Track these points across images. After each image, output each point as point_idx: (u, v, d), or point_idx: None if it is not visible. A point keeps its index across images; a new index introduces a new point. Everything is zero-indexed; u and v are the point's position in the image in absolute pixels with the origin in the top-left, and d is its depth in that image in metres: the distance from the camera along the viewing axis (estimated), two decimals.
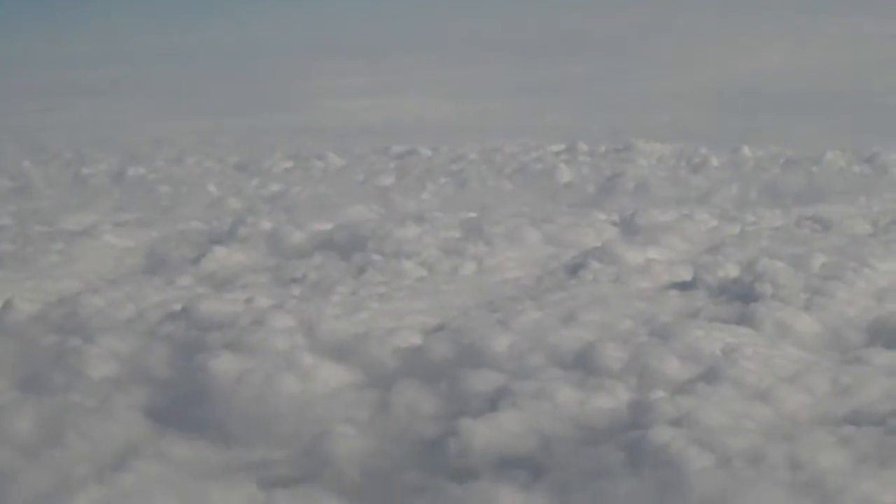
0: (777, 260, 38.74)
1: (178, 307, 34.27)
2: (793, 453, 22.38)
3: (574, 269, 40.96)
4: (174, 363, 29.91)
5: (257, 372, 28.18)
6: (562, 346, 30.19)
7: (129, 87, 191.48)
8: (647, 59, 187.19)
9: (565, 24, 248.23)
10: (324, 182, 72.00)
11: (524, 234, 46.40)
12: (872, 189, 63.38)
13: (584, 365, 28.72)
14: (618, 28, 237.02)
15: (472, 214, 52.17)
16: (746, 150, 76.28)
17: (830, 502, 21.04)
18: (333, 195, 64.79)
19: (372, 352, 30.48)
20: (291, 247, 45.19)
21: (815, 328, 32.99)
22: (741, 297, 35.28)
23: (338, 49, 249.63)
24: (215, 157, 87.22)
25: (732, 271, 38.76)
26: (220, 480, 23.49)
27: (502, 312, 34.58)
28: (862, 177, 69.64)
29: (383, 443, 25.54)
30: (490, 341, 30.84)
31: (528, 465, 24.01)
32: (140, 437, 25.50)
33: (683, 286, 38.23)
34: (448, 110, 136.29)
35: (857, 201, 58.53)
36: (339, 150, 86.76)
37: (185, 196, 66.83)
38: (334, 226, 47.82)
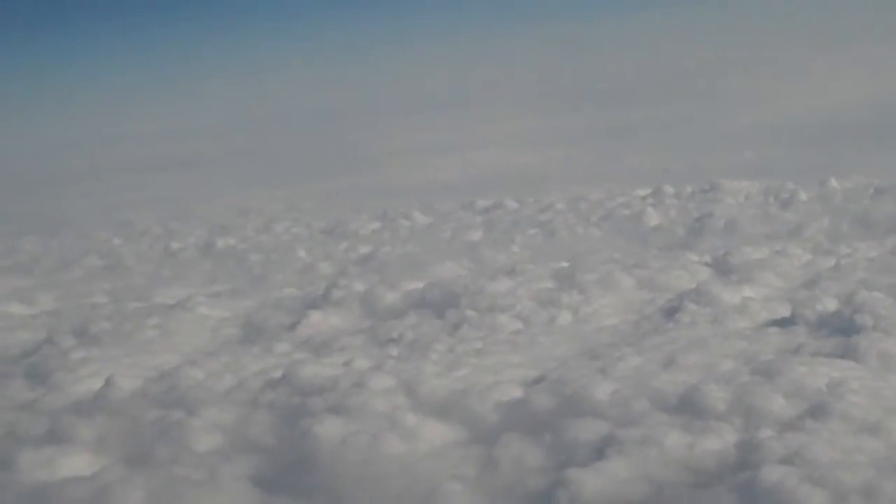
0: (876, 291, 38.34)
1: (277, 374, 34.38)
2: None
3: (670, 313, 40.79)
4: (278, 430, 29.91)
5: (361, 434, 28.12)
6: (664, 390, 29.92)
7: (210, 158, 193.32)
8: (721, 97, 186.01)
9: (634, 68, 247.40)
10: (412, 241, 72.03)
11: (617, 281, 46.19)
12: None
13: (688, 408, 28.46)
14: (685, 67, 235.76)
15: (564, 264, 52.01)
16: (834, 183, 75.17)
17: None
18: (422, 253, 64.79)
19: (474, 407, 30.36)
20: (385, 307, 45.27)
21: None
22: (842, 331, 34.90)
23: (414, 106, 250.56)
24: (302, 222, 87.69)
25: (831, 305, 38.39)
26: None
27: (602, 360, 34.49)
28: None
29: (492, 498, 25.42)
30: (592, 390, 30.64)
31: None
32: None
33: (782, 323, 37.87)
34: (529, 160, 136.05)
35: None
36: (425, 207, 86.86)
37: (275, 263, 67.13)
38: (426, 284, 47.89)
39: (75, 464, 28.81)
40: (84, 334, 44.78)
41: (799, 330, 36.44)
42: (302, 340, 41.60)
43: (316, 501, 25.38)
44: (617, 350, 35.43)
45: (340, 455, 27.32)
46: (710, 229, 67.08)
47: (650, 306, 42.64)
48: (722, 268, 48.34)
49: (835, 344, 33.89)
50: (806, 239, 59.14)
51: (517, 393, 31.42)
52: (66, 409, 33.78)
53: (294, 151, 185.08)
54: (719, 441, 26.53)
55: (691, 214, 72.30)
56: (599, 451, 26.77)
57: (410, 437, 28.44)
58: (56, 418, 32.49)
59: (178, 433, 29.82)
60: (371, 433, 28.20)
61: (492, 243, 68.22)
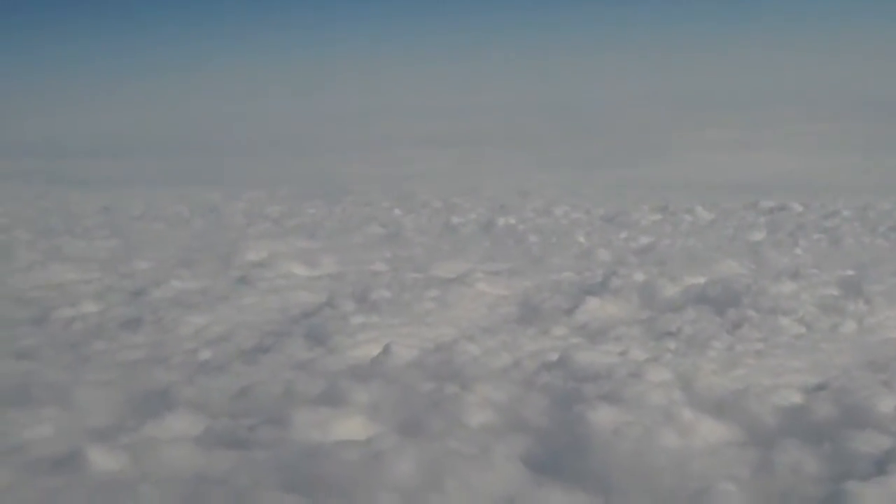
0: None
1: (553, 357, 34.18)
2: None
3: None
4: (551, 413, 29.63)
5: (635, 425, 27.62)
6: None
7: (493, 137, 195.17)
8: None
9: None
10: (693, 236, 71.07)
11: None
12: None
13: None
14: None
15: (849, 272, 50.43)
16: None
17: None
18: (703, 249, 63.84)
19: (752, 409, 29.48)
20: (664, 300, 44.64)
21: None
22: None
23: (700, 101, 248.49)
24: (582, 208, 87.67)
25: None
26: None
27: (886, 373, 32.87)
28: None
29: (766, 503, 24.75)
30: (875, 402, 29.22)
31: None
32: (518, 485, 25.30)
33: None
34: (816, 165, 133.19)
35: None
36: (707, 203, 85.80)
37: (554, 246, 67.11)
38: (707, 280, 47.00)
39: (349, 427, 29.00)
40: (364, 300, 45.45)
41: None
42: (578, 325, 41.27)
43: (586, 487, 24.98)
44: None
45: (613, 444, 26.88)
46: None
47: None
48: None
49: None
50: None
51: (797, 398, 30.37)
52: (342, 373, 34.16)
53: (577, 138, 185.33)
54: None
55: None
56: (881, 465, 25.61)
57: (685, 432, 27.79)
58: (332, 380, 32.88)
59: (451, 406, 29.79)
60: (645, 425, 27.66)
61: (774, 245, 66.67)
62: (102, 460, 26.33)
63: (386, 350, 35.36)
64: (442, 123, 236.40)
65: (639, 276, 47.66)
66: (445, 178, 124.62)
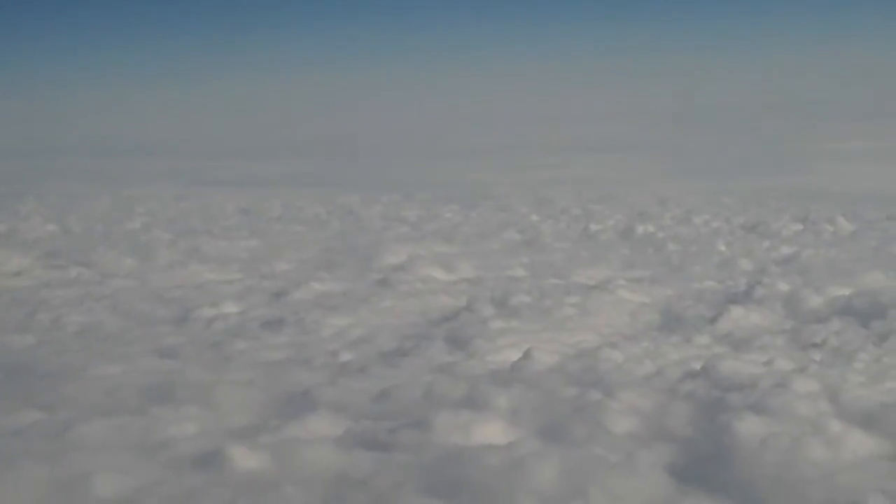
0: None
1: (697, 366, 33.63)
2: None
3: None
4: (695, 422, 29.15)
5: (782, 436, 27.05)
6: None
7: (630, 144, 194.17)
8: None
9: None
10: (835, 246, 69.76)
11: None
12: None
13: None
14: None
15: None
16: None
17: None
18: (847, 260, 62.59)
19: None
20: (809, 311, 43.88)
21: None
22: None
23: (840, 111, 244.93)
24: (721, 217, 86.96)
25: None
26: None
27: None
28: None
29: None
30: None
31: None
32: (663, 494, 24.88)
33: None
34: None
35: None
36: (849, 214, 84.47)
37: (694, 255, 66.46)
38: (852, 291, 46.13)
39: (490, 431, 28.76)
40: (503, 305, 45.29)
41: None
42: (722, 335, 40.67)
43: (732, 498, 24.51)
44: None
45: (759, 455, 26.34)
46: None
47: None
48: None
49: None
50: None
51: None
52: (483, 377, 33.99)
53: (712, 145, 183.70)
54: None
55: None
56: None
57: (833, 444, 27.12)
58: (473, 384, 32.70)
59: (594, 413, 29.44)
60: (793, 436, 27.06)
61: None
62: (244, 460, 26.42)
63: (527, 355, 35.16)
64: (575, 129, 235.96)
65: (783, 287, 47.04)
66: (582, 184, 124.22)
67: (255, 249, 70.42)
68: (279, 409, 31.68)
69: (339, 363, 37.19)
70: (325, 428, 29.45)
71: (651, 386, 32.11)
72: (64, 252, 67.20)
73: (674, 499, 24.64)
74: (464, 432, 28.49)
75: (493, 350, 37.59)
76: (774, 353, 36.35)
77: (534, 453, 26.18)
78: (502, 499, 24.19)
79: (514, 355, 35.81)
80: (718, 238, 74.44)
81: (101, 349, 40.53)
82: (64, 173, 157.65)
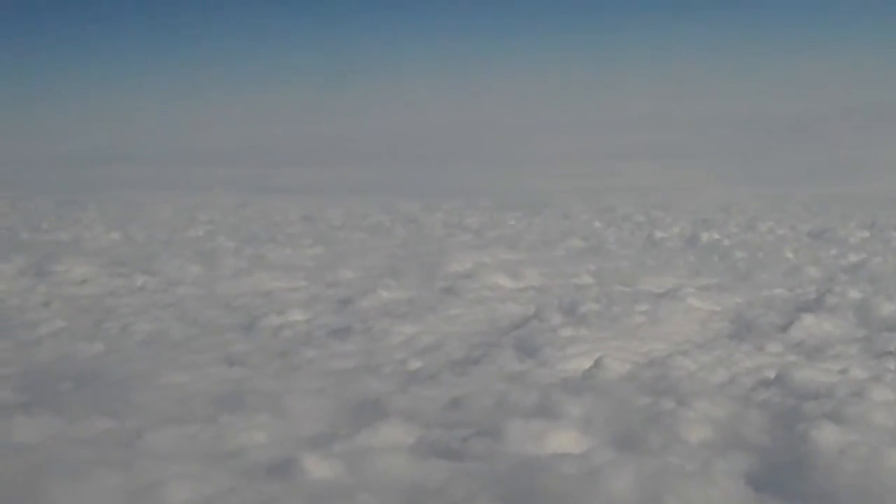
0: None
1: (770, 374, 33.28)
2: None
3: None
4: (771, 431, 28.78)
5: (861, 445, 26.60)
6: None
7: (691, 151, 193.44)
8: None
9: None
10: None
11: None
12: None
13: None
14: None
15: None
16: None
17: None
18: None
19: None
20: (881, 319, 43.35)
21: None
22: None
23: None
24: (786, 224, 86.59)
25: None
26: None
27: None
28: None
29: None
30: None
31: None
32: (740, 503, 24.59)
33: None
34: None
35: None
36: None
37: (761, 262, 66.03)
38: None
39: (563, 440, 28.48)
40: (572, 313, 45.02)
41: None
42: (794, 343, 40.19)
43: None
44: None
45: (838, 464, 25.91)
46: None
47: None
48: None
49: None
50: None
51: None
52: (554, 385, 33.80)
53: (778, 152, 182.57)
54: None
55: None
56: None
57: None
58: (545, 393, 32.48)
59: (668, 422, 29.10)
60: (872, 445, 26.60)
61: None
62: (318, 468, 26.29)
63: (598, 363, 34.88)
64: (627, 136, 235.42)
65: (854, 294, 46.53)
66: (644, 191, 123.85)
67: (320, 257, 70.52)
68: (350, 418, 31.52)
69: (409, 371, 37.05)
70: (397, 436, 29.27)
71: (725, 394, 31.79)
72: (128, 260, 67.52)
73: None
74: (537, 441, 28.24)
75: (563, 358, 37.31)
76: (848, 362, 35.88)
77: (609, 462, 25.91)
78: None
79: (585, 363, 35.53)
80: (785, 245, 73.95)
81: (169, 357, 40.56)
82: (123, 182, 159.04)
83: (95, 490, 24.92)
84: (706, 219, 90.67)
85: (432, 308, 47.85)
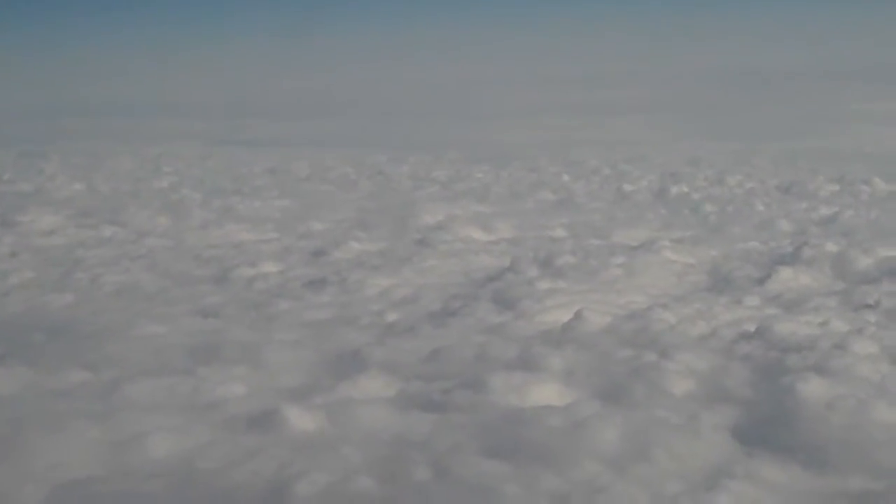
0: None
1: (751, 327, 33.19)
2: None
3: None
4: (755, 384, 28.66)
5: (847, 398, 26.48)
6: None
7: (658, 105, 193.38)
8: None
9: None
10: (875, 207, 69.17)
11: None
12: None
13: None
14: None
15: None
16: None
17: None
18: (888, 221, 62.13)
19: None
20: (858, 272, 43.25)
21: None
22: None
23: (870, 73, 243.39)
24: (755, 177, 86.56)
25: None
26: None
27: None
28: None
29: None
30: None
31: None
32: (727, 456, 24.32)
33: None
34: None
35: None
36: (885, 175, 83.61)
37: (732, 216, 66.05)
38: None
39: (546, 393, 28.29)
40: (548, 265, 44.74)
41: None
42: (772, 296, 40.01)
43: (800, 461, 23.95)
44: None
45: (824, 417, 25.79)
46: None
47: None
48: None
49: None
50: None
51: None
52: (534, 338, 33.64)
53: (745, 107, 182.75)
54: None
55: None
56: None
57: None
58: (525, 345, 32.29)
59: (651, 374, 28.98)
60: (857, 398, 26.49)
61: None
62: (300, 420, 25.97)
63: (577, 316, 34.66)
64: (600, 91, 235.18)
65: (830, 248, 46.34)
66: (612, 145, 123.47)
67: (288, 209, 70.06)
68: (329, 370, 31.27)
69: (386, 323, 36.82)
70: (377, 388, 29.07)
71: (706, 347, 31.70)
72: (94, 211, 66.88)
73: (739, 460, 24.08)
74: (520, 394, 28.02)
75: (542, 311, 37.11)
76: (828, 315, 35.73)
77: (594, 415, 25.72)
78: (565, 460, 23.61)
79: (565, 316, 35.30)
80: (755, 199, 74.06)
81: (141, 308, 40.15)
82: (84, 133, 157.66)
83: (77, 441, 24.58)
84: (674, 172, 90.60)
85: (406, 260, 47.61)
